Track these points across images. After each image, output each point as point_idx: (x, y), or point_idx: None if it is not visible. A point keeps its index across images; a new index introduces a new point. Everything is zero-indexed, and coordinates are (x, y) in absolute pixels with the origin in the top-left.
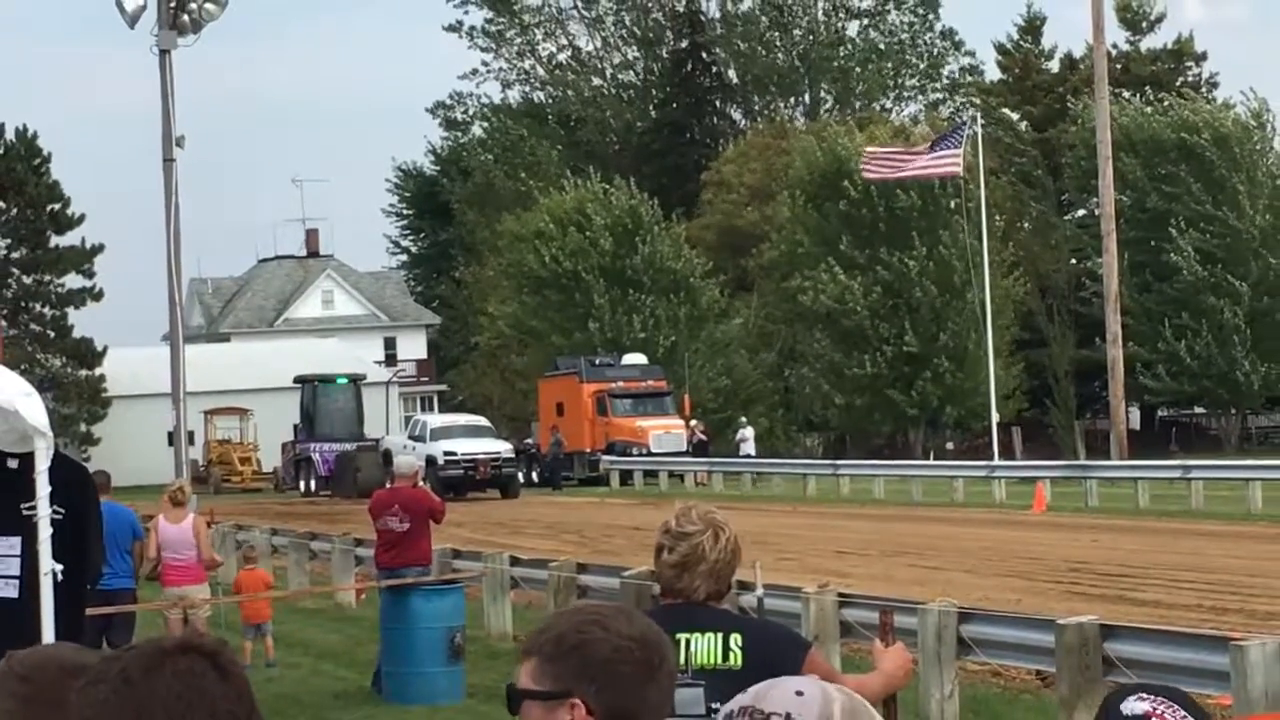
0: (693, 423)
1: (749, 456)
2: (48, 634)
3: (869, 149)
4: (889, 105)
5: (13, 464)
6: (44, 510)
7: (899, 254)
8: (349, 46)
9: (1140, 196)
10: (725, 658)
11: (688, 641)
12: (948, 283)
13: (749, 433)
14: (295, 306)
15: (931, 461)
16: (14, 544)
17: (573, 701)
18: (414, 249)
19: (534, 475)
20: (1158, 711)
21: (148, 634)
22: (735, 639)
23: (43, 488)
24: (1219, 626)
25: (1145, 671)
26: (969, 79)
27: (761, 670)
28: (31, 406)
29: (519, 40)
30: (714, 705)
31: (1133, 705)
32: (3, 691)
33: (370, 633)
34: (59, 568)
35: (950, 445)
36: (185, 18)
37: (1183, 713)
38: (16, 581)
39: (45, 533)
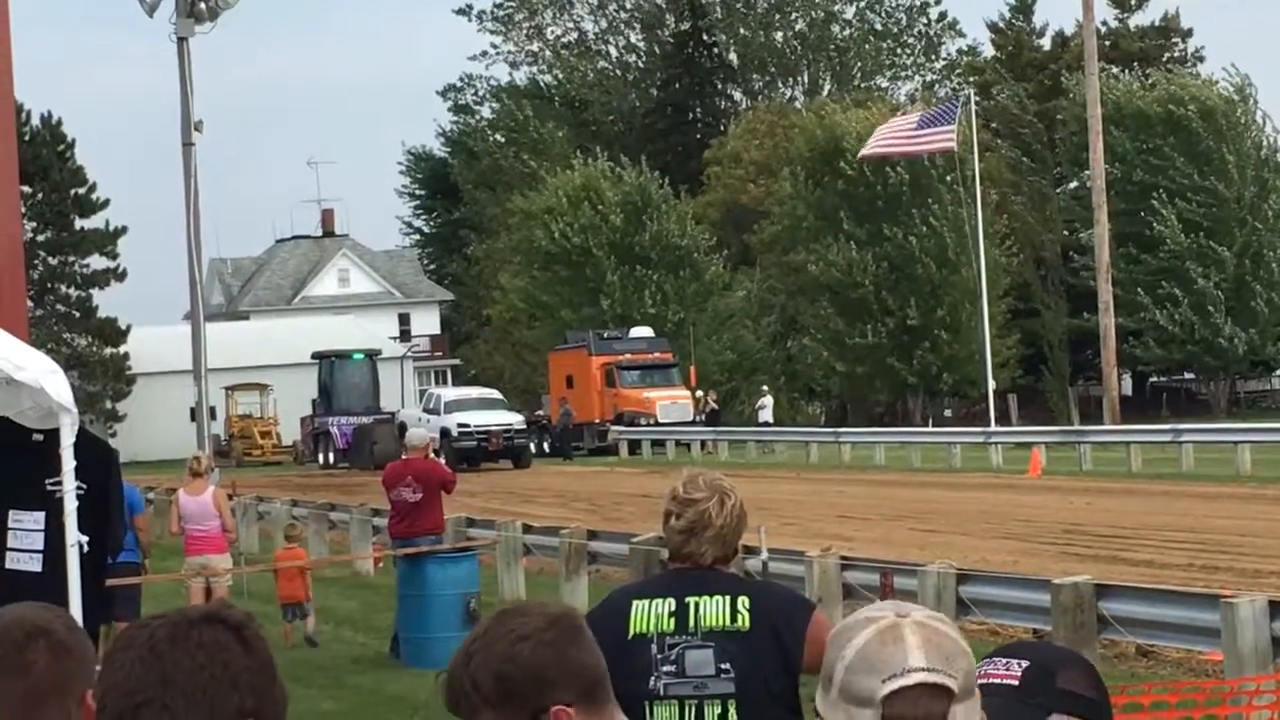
0: (700, 393)
1: (767, 424)
2: (75, 606)
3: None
4: (885, 85)
5: (38, 438)
6: (69, 485)
7: (899, 229)
8: (361, 31)
9: (1128, 169)
10: (733, 620)
11: (696, 604)
12: (942, 255)
13: (768, 400)
14: (312, 285)
15: (930, 429)
16: (39, 518)
17: (554, 712)
18: (426, 228)
19: (545, 446)
20: (982, 671)
21: (169, 605)
22: (742, 601)
23: (68, 462)
24: (1209, 585)
25: (1138, 629)
26: (965, 58)
27: (768, 631)
28: (57, 384)
29: (526, 24)
30: (723, 666)
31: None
32: None
33: (388, 599)
34: (85, 540)
35: (948, 413)
36: (202, 5)
37: (1021, 664)
38: (40, 555)
39: (71, 506)
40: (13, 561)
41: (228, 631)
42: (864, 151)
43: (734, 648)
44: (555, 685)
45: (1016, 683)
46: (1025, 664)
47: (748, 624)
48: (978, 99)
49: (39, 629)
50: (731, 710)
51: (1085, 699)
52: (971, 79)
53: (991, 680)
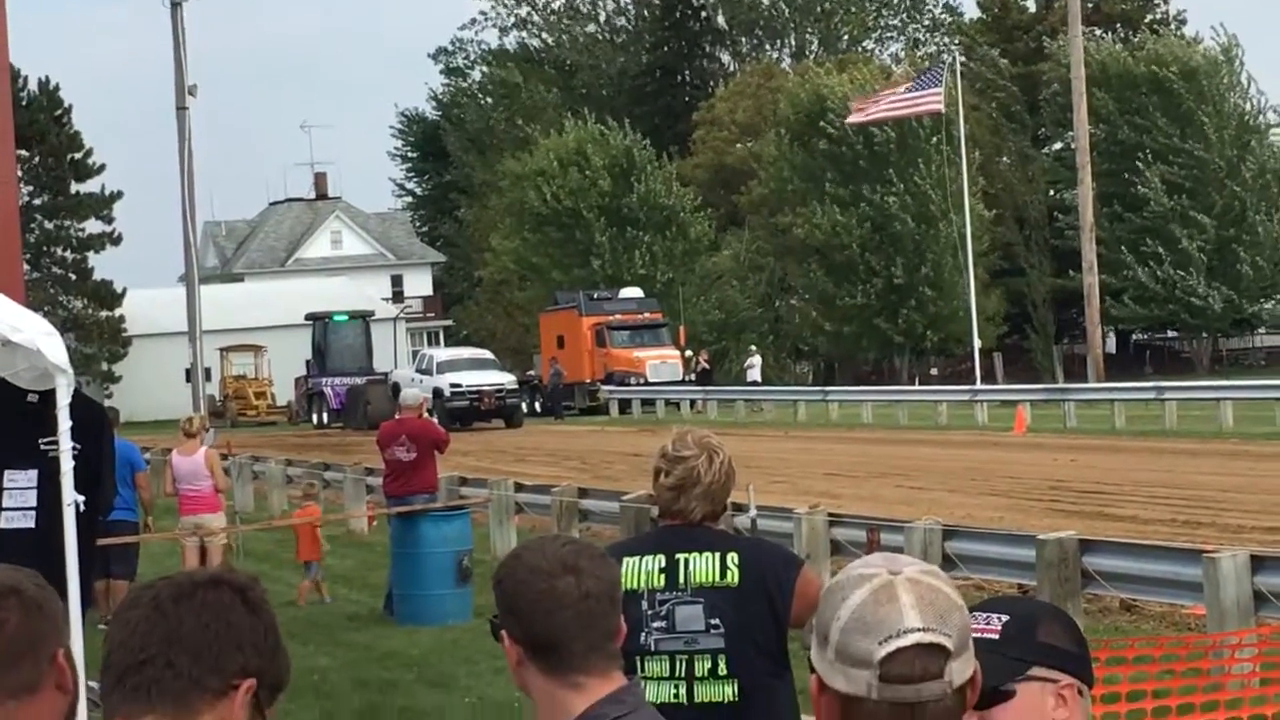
0: (690, 353)
1: (755, 383)
2: (71, 564)
3: (857, 100)
4: (871, 46)
5: (33, 399)
6: (65, 444)
7: (881, 189)
8: None
9: (1112, 130)
10: (723, 576)
11: (686, 561)
12: (926, 214)
13: (757, 360)
14: (305, 247)
15: (917, 387)
16: (32, 476)
17: (503, 632)
18: (418, 191)
19: (536, 405)
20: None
21: (165, 564)
22: (732, 558)
23: (64, 422)
24: (1192, 540)
25: (1121, 584)
26: (949, 19)
27: (757, 587)
28: (52, 345)
29: None
30: (713, 621)
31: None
32: None
33: (382, 558)
34: (81, 499)
35: (934, 371)
36: None
37: (1001, 619)
38: (34, 513)
39: (67, 465)
40: (7, 520)
41: (233, 593)
42: (852, 118)
43: (723, 603)
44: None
45: (997, 636)
46: (1005, 618)
47: (737, 580)
48: (963, 61)
49: (9, 587)
50: (721, 664)
51: (1065, 652)
52: (957, 40)
53: (972, 635)
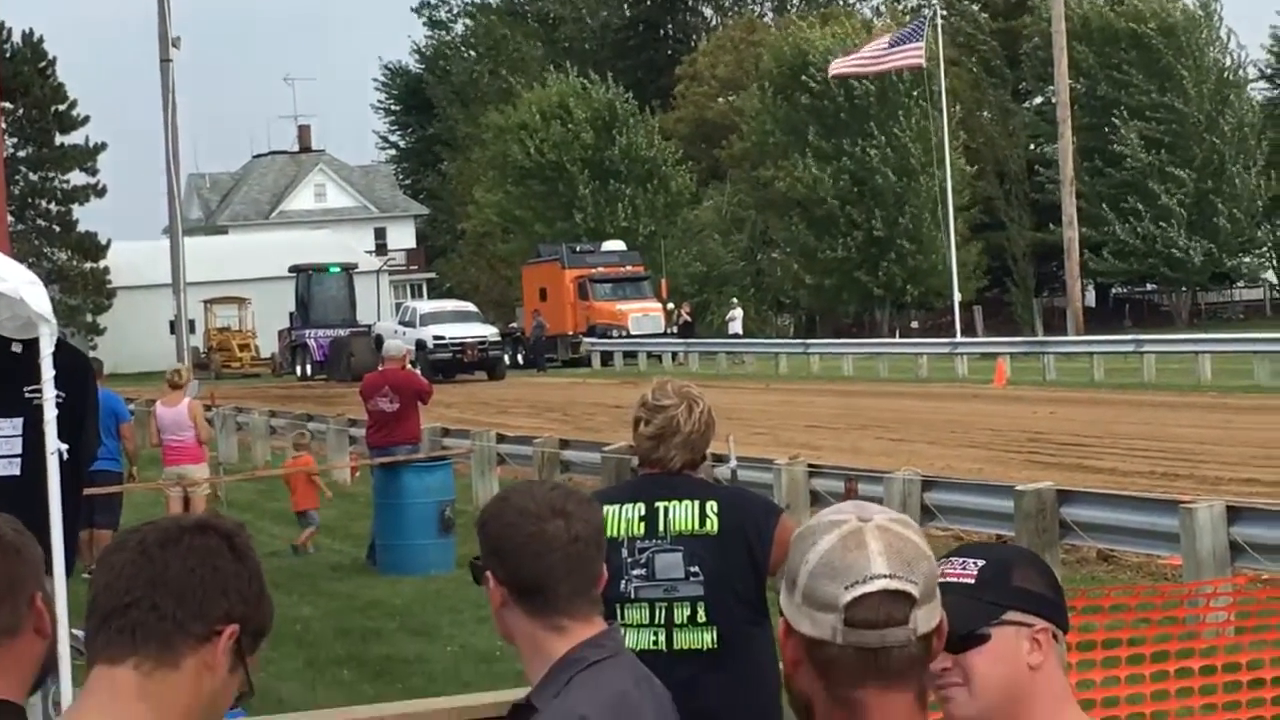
0: (672, 305)
1: (737, 335)
2: (55, 512)
3: (838, 60)
4: (853, 0)
5: (16, 348)
6: (49, 393)
7: (862, 142)
8: None
9: (1092, 84)
10: (702, 524)
11: (666, 509)
12: (906, 168)
13: (738, 313)
14: (289, 199)
15: (897, 339)
16: (16, 424)
17: (488, 574)
18: (402, 144)
19: (519, 357)
20: (940, 571)
21: (148, 514)
22: (711, 506)
23: (47, 371)
24: (1169, 491)
25: (1099, 534)
26: None
27: (736, 535)
28: (36, 294)
29: None
30: (692, 569)
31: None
32: None
33: (365, 508)
34: (64, 447)
35: (915, 324)
36: None
37: (977, 563)
38: (19, 460)
39: (51, 414)
40: None
41: (219, 539)
42: (834, 70)
43: (703, 551)
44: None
45: (973, 581)
46: (981, 563)
47: (716, 528)
48: (944, 15)
49: None
50: (700, 612)
51: (1040, 596)
52: None
53: (948, 579)
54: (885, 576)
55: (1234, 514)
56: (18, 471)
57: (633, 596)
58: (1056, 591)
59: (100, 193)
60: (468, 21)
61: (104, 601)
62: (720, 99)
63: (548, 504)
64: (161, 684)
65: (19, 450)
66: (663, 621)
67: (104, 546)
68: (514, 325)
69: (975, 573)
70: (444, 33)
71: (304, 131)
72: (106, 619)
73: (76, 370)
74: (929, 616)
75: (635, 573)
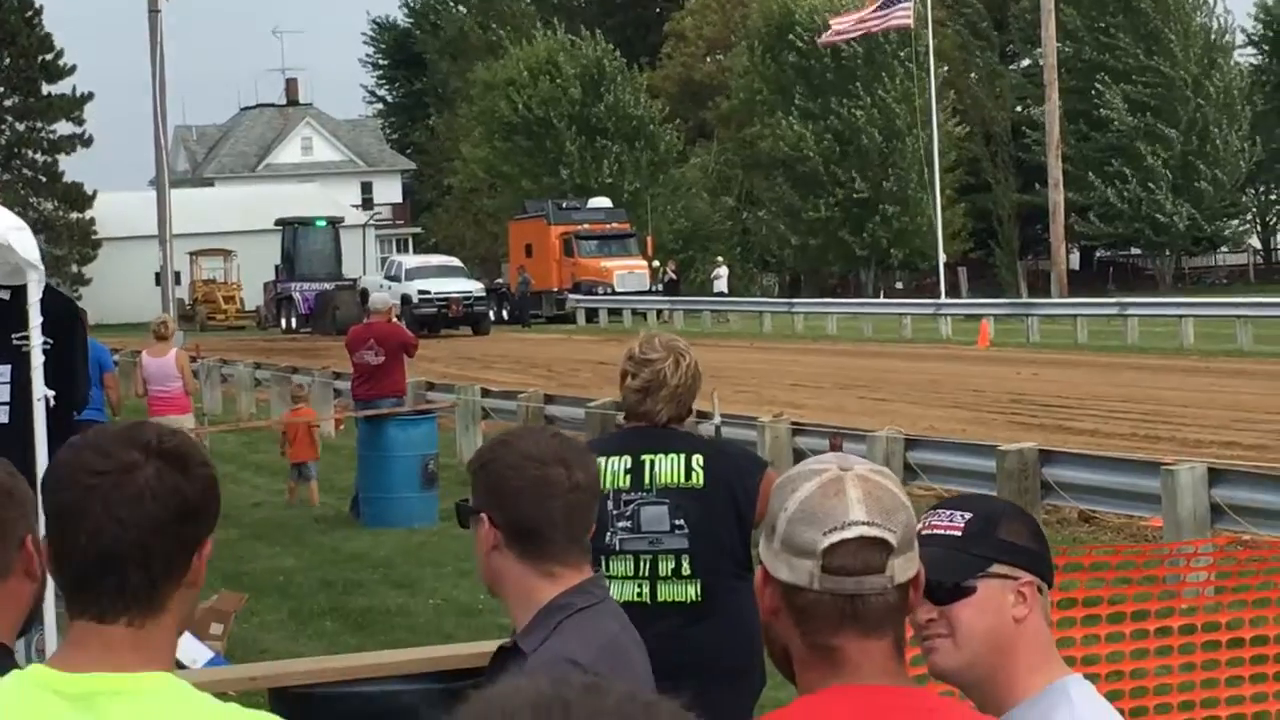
0: (658, 263)
1: (722, 294)
2: (41, 458)
3: (834, 20)
4: None
5: (4, 295)
6: (37, 340)
7: (848, 103)
8: None
9: (1079, 47)
10: (688, 477)
11: (652, 462)
12: (891, 128)
13: (724, 271)
14: (276, 153)
15: (882, 300)
16: (4, 371)
17: (480, 516)
18: (389, 98)
19: (504, 313)
20: (927, 523)
21: None
22: (696, 459)
23: (35, 318)
24: (1151, 454)
25: (1080, 494)
26: None
27: (722, 488)
28: (23, 240)
29: None
30: (677, 522)
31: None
32: None
33: (349, 461)
34: (51, 394)
35: (899, 284)
36: None
37: (964, 516)
38: (6, 407)
39: (38, 360)
40: None
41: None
42: (824, 38)
43: (688, 504)
44: None
45: (960, 533)
46: (969, 515)
47: (702, 481)
48: None
49: None
50: (684, 564)
51: (1026, 550)
52: None
53: (935, 531)
54: (864, 524)
55: (1215, 476)
56: (5, 419)
57: (617, 549)
58: (1042, 545)
59: (87, 143)
60: None
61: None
62: (708, 58)
63: (551, 450)
64: (154, 630)
65: (7, 398)
66: (647, 574)
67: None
68: (499, 281)
69: (962, 525)
70: None
71: (291, 85)
72: (88, 569)
73: (65, 317)
74: (906, 566)
75: (620, 525)
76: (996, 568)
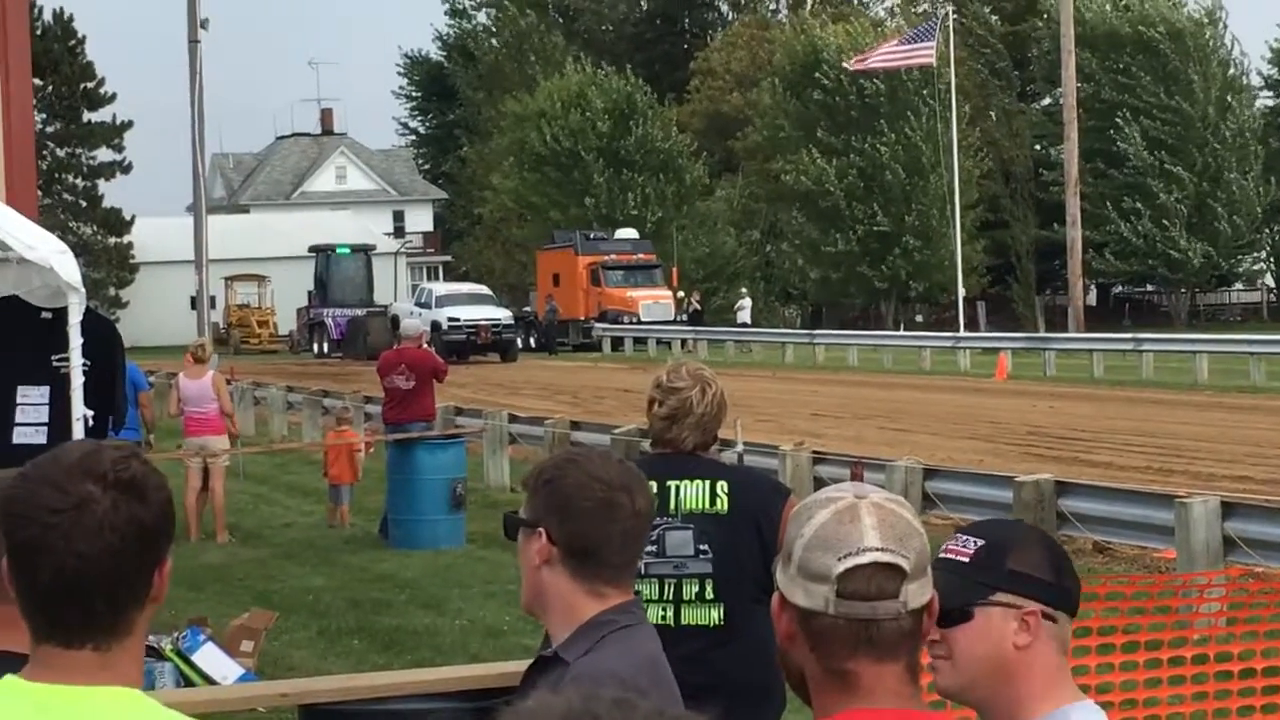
0: (683, 293)
1: (745, 325)
2: None
3: (857, 57)
4: (867, 0)
5: (46, 316)
6: (76, 360)
7: (871, 139)
8: None
9: (1097, 88)
10: (712, 503)
11: (677, 488)
12: (915, 165)
13: (747, 302)
14: (310, 181)
15: (901, 332)
16: (44, 393)
17: (539, 530)
18: (422, 129)
19: (531, 341)
20: (944, 547)
21: (171, 482)
22: (721, 486)
23: (75, 339)
24: (1164, 486)
25: (1095, 526)
26: None
27: (745, 514)
28: (66, 264)
29: None
30: (701, 547)
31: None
32: None
33: (378, 483)
34: (90, 413)
35: (919, 317)
36: None
37: (977, 542)
38: (45, 428)
39: (78, 381)
40: (20, 436)
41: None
42: (854, 64)
43: (712, 529)
44: None
45: (967, 560)
46: (980, 542)
47: (726, 508)
48: (957, 16)
49: None
50: (708, 588)
51: (1035, 580)
52: None
53: (946, 555)
54: (878, 549)
55: (1228, 509)
56: (44, 440)
57: (643, 572)
58: (1059, 573)
59: (126, 169)
60: (490, 10)
61: (49, 581)
62: (734, 93)
63: (617, 475)
64: (119, 653)
65: (45, 419)
66: (671, 597)
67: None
68: (527, 309)
69: (972, 551)
70: (465, 21)
71: (326, 115)
72: (51, 600)
73: (104, 338)
74: (920, 592)
75: (646, 549)
76: (999, 596)
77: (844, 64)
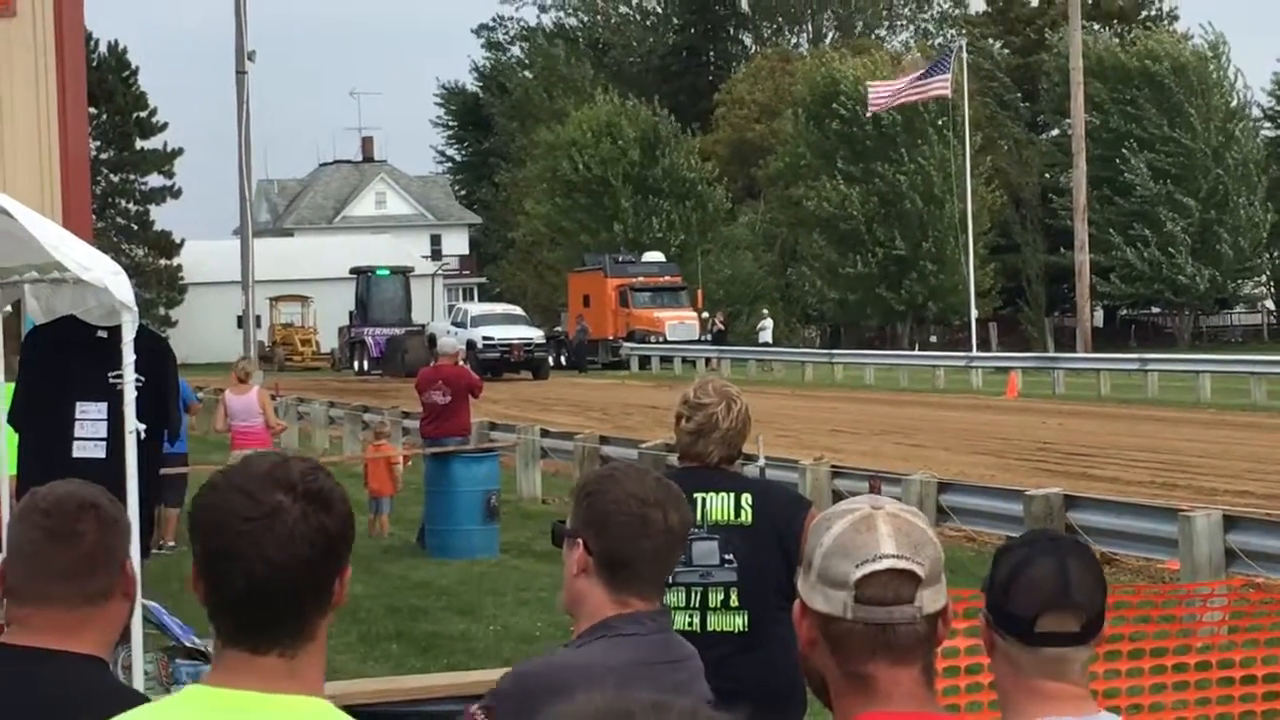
0: (707, 314)
1: (766, 345)
2: (132, 490)
3: (872, 84)
4: (884, 34)
5: (102, 334)
6: (129, 376)
7: (891, 168)
8: None
9: (1105, 118)
10: (737, 515)
11: (703, 500)
12: (930, 192)
13: (768, 323)
14: (351, 206)
15: (916, 352)
16: (102, 409)
17: (579, 541)
18: (458, 157)
19: (562, 359)
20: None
21: None
22: (745, 498)
23: (128, 356)
24: (1169, 500)
25: (1102, 538)
26: (956, 11)
27: (768, 525)
28: (119, 284)
29: None
30: (726, 556)
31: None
32: (27, 524)
33: (416, 495)
34: (142, 427)
35: (933, 338)
36: None
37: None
38: (104, 443)
39: (130, 395)
40: (80, 450)
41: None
42: (872, 106)
43: (737, 540)
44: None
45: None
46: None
47: (750, 519)
48: (969, 51)
49: (88, 503)
50: (733, 596)
51: (986, 593)
52: (963, 31)
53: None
54: (893, 556)
55: (1230, 522)
56: (103, 454)
57: (671, 581)
58: (1005, 593)
59: (176, 194)
60: (523, 44)
61: (240, 588)
62: (758, 123)
63: (653, 492)
64: (304, 658)
65: (104, 434)
66: (697, 605)
67: (170, 526)
68: (558, 329)
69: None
70: (500, 54)
71: (367, 143)
72: (240, 606)
73: (156, 354)
74: (935, 597)
75: None
76: None
77: (865, 105)
